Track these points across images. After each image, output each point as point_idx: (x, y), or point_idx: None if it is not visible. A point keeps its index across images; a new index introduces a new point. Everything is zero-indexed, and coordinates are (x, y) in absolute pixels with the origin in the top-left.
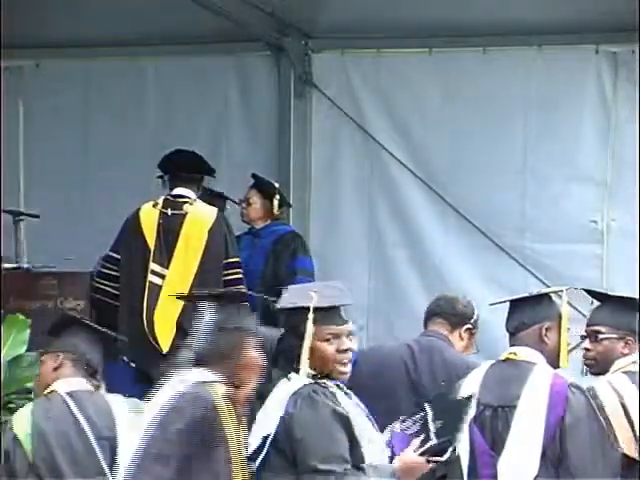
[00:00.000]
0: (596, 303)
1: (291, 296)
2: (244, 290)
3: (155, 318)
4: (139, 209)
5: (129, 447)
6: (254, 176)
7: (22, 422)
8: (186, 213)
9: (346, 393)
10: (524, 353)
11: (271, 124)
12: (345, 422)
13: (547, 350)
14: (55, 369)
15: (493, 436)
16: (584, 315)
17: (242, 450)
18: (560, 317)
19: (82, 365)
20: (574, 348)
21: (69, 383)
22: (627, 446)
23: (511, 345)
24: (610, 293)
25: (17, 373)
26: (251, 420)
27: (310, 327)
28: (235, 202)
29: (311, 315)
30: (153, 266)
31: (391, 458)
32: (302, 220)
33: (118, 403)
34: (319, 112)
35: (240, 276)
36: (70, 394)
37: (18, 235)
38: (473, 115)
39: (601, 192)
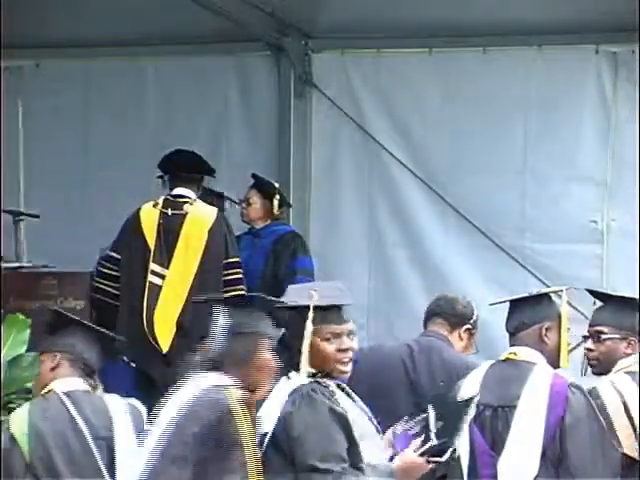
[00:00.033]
0: (597, 303)
1: (291, 295)
2: (244, 290)
3: (155, 318)
4: (139, 209)
5: (126, 447)
6: (254, 176)
7: (19, 422)
8: (186, 213)
9: (347, 393)
10: (524, 353)
11: (271, 124)
12: (343, 421)
13: (547, 350)
14: (52, 369)
15: (493, 436)
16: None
17: (257, 453)
18: (560, 317)
19: (79, 365)
20: (574, 348)
21: (66, 383)
22: (628, 446)
23: (511, 345)
24: (612, 293)
25: (17, 373)
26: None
27: (309, 326)
28: (234, 202)
29: (311, 314)
30: (153, 266)
31: (392, 458)
32: (302, 220)
33: (115, 403)
34: (319, 112)
35: (240, 276)
36: (67, 394)
37: (18, 235)
38: (473, 115)
39: (601, 192)
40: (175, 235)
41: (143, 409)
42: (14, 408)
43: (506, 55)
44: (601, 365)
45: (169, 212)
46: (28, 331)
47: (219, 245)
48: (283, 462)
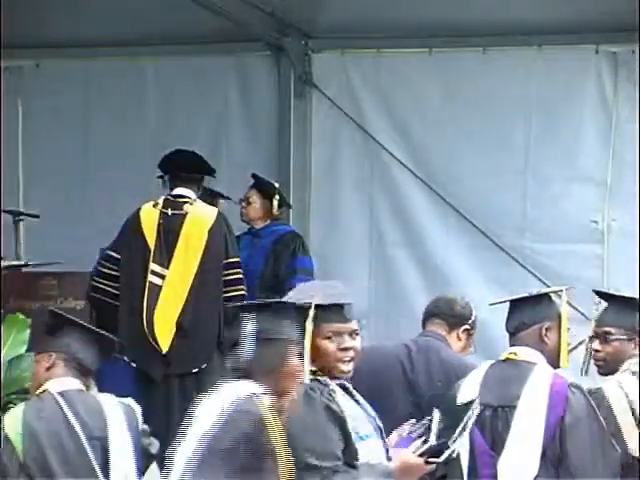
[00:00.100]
0: (600, 303)
1: (294, 294)
2: (244, 290)
3: (155, 318)
4: (139, 209)
5: (120, 447)
6: (254, 176)
7: (13, 422)
8: (186, 213)
9: (350, 392)
10: (524, 353)
11: (271, 124)
12: (340, 420)
13: (547, 350)
14: (47, 369)
15: (493, 436)
16: (584, 315)
17: (289, 460)
18: (560, 317)
19: (74, 365)
20: (574, 348)
21: (61, 383)
22: (633, 446)
23: (511, 345)
24: (618, 294)
25: (17, 373)
26: None
27: (310, 324)
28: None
29: (312, 312)
30: (153, 266)
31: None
32: (302, 220)
33: (110, 403)
34: (319, 112)
35: (240, 276)
36: (62, 394)
37: (18, 235)
38: (473, 115)
39: (602, 192)
40: (175, 235)
41: (138, 408)
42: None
43: (506, 55)
44: (608, 366)
45: (169, 212)
46: (28, 331)
47: (219, 245)
48: None
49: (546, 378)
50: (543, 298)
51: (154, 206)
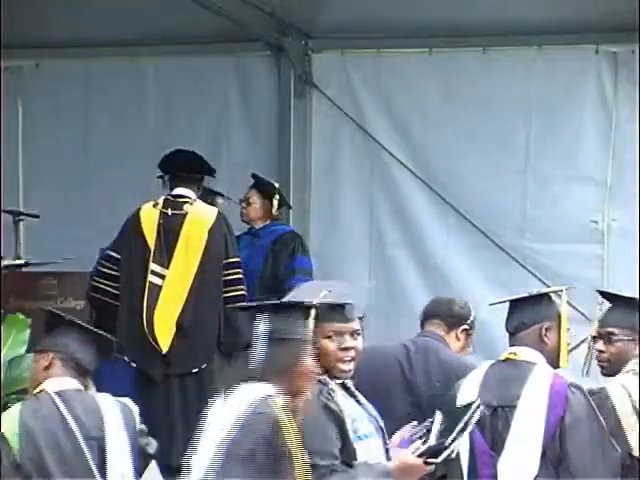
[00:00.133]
0: (603, 304)
1: (295, 294)
2: (244, 290)
3: (155, 318)
4: (139, 209)
5: (117, 447)
6: (254, 176)
7: (10, 422)
8: (186, 213)
9: (352, 392)
10: (524, 353)
11: (271, 124)
12: (338, 420)
13: (547, 350)
14: (45, 368)
15: (493, 436)
16: (584, 315)
17: (305, 461)
18: (560, 317)
19: (71, 365)
20: (574, 348)
21: (58, 382)
22: (636, 446)
23: (511, 345)
24: (622, 294)
25: (17, 373)
26: None
27: (311, 323)
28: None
29: (313, 312)
30: (153, 266)
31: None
32: (302, 220)
33: (107, 402)
34: (319, 112)
35: (240, 276)
36: (59, 393)
37: (18, 235)
38: (473, 115)
39: (602, 192)
40: (175, 235)
41: (135, 408)
42: None
43: (506, 55)
44: (611, 366)
45: (169, 212)
46: (28, 331)
47: (219, 245)
48: None
49: (546, 378)
50: (543, 298)
51: (154, 206)
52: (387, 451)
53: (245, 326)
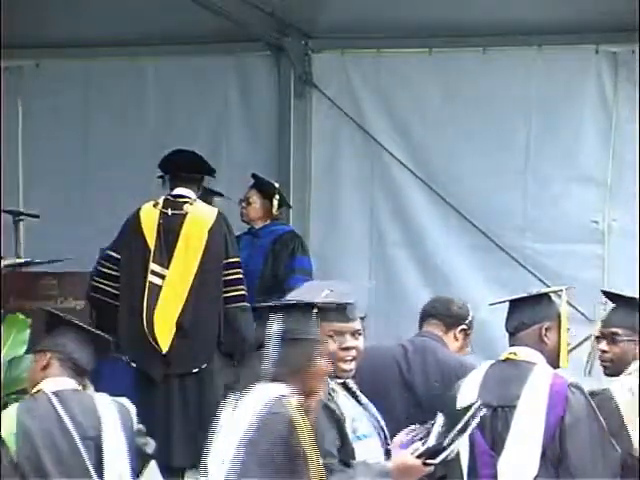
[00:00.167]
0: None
1: (296, 294)
2: (244, 290)
3: (155, 318)
4: (139, 209)
5: (114, 447)
6: (254, 176)
7: (7, 421)
8: (186, 213)
9: (353, 392)
10: (524, 353)
11: (271, 124)
12: (336, 419)
13: (547, 350)
14: (43, 368)
15: (493, 436)
16: (584, 315)
17: (320, 461)
18: (560, 317)
19: (69, 365)
20: (574, 348)
21: (56, 382)
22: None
23: (511, 345)
24: (626, 294)
25: (17, 373)
26: None
27: None
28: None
29: (314, 311)
30: (153, 266)
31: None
32: (302, 220)
33: (104, 402)
34: (319, 112)
35: (240, 276)
36: (56, 393)
37: (18, 235)
38: (473, 115)
39: (602, 192)
40: (175, 235)
41: (132, 408)
42: None
43: (506, 55)
44: (615, 366)
45: (169, 212)
46: (28, 331)
47: (219, 245)
48: None
49: (546, 378)
50: (543, 298)
51: (154, 206)
52: (388, 452)
53: (245, 326)
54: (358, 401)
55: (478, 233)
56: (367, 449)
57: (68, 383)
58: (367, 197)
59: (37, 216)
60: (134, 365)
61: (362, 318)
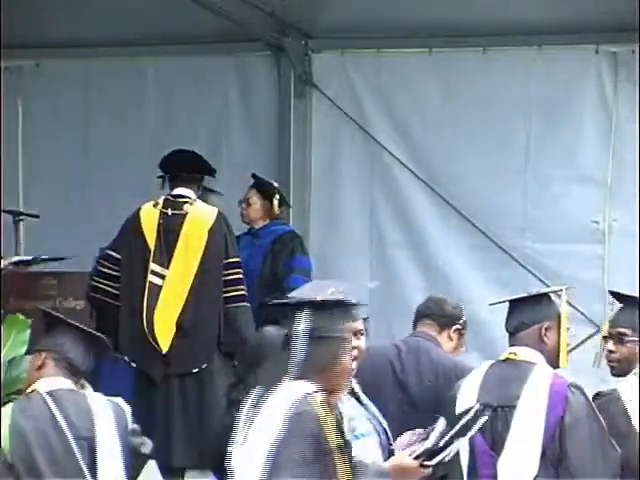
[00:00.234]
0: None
1: (297, 294)
2: (244, 290)
3: (155, 318)
4: (139, 209)
5: (108, 447)
6: (254, 176)
7: (2, 421)
8: (186, 213)
9: (353, 391)
10: (524, 353)
11: (271, 124)
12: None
13: (547, 350)
14: (38, 368)
15: (493, 436)
16: (584, 315)
17: (345, 457)
18: (560, 317)
19: (64, 365)
20: (574, 348)
21: (50, 382)
22: None
23: (511, 345)
24: (633, 295)
25: (17, 373)
26: None
27: None
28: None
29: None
30: (153, 266)
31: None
32: (302, 220)
33: (99, 403)
34: (319, 112)
35: (240, 276)
36: (50, 393)
37: (18, 235)
38: (473, 115)
39: (602, 192)
40: (175, 235)
41: (127, 408)
42: None
43: (506, 55)
44: (621, 367)
45: (169, 212)
46: (28, 331)
47: (219, 245)
48: None
49: (546, 378)
50: (543, 298)
51: (154, 206)
52: (391, 452)
53: (245, 326)
54: (359, 401)
55: (478, 233)
56: (365, 448)
57: (63, 383)
58: (367, 197)
59: (37, 216)
60: (134, 365)
61: (364, 319)
